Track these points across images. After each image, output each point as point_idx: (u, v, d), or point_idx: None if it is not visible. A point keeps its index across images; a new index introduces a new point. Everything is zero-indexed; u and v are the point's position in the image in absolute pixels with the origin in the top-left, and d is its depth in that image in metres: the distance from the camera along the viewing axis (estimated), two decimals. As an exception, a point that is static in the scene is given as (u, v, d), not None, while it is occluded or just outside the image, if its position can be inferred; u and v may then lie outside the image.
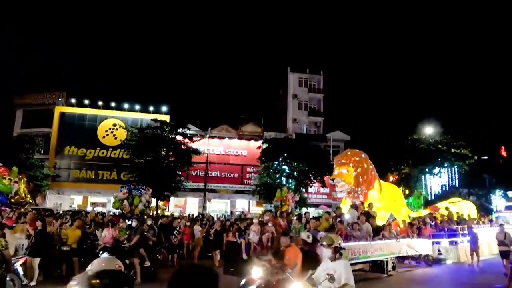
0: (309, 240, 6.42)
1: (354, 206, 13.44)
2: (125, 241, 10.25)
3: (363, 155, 15.57)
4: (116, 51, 78.13)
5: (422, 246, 14.17)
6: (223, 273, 10.49)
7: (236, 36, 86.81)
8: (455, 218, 19.03)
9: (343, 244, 8.43)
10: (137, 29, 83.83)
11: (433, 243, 15.77)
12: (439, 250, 15.72)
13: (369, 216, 12.62)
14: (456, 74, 72.07)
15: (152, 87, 69.69)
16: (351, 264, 10.36)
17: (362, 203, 14.04)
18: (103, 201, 36.60)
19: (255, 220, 12.00)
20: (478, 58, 75.31)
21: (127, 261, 9.13)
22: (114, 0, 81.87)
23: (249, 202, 37.65)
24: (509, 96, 64.06)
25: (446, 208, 20.68)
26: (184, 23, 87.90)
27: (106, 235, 10.60)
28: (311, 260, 5.40)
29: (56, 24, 76.17)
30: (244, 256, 11.40)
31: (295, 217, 11.73)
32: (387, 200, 16.71)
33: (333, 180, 14.90)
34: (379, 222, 15.74)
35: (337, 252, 4.54)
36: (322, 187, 31.93)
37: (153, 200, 22.80)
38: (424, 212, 20.34)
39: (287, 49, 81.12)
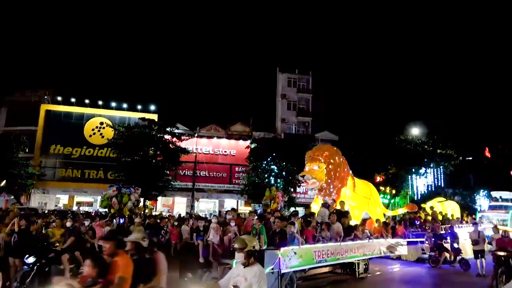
0: (145, 244, 4.61)
1: (325, 205, 12.71)
2: (57, 243, 9.73)
3: (335, 150, 14.66)
4: (104, 49, 77.24)
5: (397, 246, 13.75)
6: (179, 278, 9.36)
7: (226, 36, 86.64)
8: (439, 217, 19.15)
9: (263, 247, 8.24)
10: (126, 28, 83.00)
11: (416, 242, 15.58)
12: (423, 250, 15.64)
13: (341, 215, 11.95)
14: (442, 76, 73.27)
15: (140, 86, 69.09)
16: (320, 267, 10.08)
17: (334, 201, 13.33)
18: (89, 200, 36.15)
19: (214, 220, 10.69)
20: (464, 60, 76.67)
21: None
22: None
23: (237, 201, 37.63)
24: (493, 98, 65.39)
25: (431, 208, 20.93)
26: (173, 22, 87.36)
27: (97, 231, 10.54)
28: (145, 271, 4.34)
29: (42, 21, 74.94)
30: (201, 259, 10.08)
31: (256, 217, 10.26)
32: (361, 198, 16.04)
33: (303, 176, 13.82)
34: (353, 221, 15.35)
35: (251, 257, 4.00)
36: (310, 187, 32.12)
37: (141, 200, 22.63)
38: (400, 210, 20.20)
39: (276, 50, 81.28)
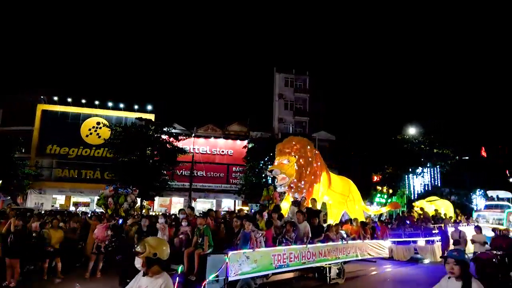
0: None
1: (295, 203, 11.46)
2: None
3: (307, 143, 13.41)
4: (101, 49, 76.97)
5: (376, 248, 12.79)
6: (119, 285, 8.59)
7: (223, 36, 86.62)
8: (432, 216, 18.89)
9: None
10: (123, 27, 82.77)
11: (409, 242, 15.38)
12: (415, 250, 15.36)
13: (311, 213, 10.86)
14: (439, 76, 73.51)
15: (137, 86, 68.96)
16: (279, 273, 8.93)
17: (306, 198, 12.14)
18: (86, 200, 36.04)
19: (161, 219, 9.50)
20: (460, 60, 76.95)
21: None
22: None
23: (234, 201, 37.64)
24: (489, 98, 65.68)
25: (421, 208, 20.63)
26: (171, 22, 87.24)
27: (97, 232, 10.46)
28: None
29: (39, 21, 74.65)
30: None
31: (200, 214, 9.30)
32: (338, 195, 14.94)
33: (271, 171, 12.45)
34: (331, 221, 14.63)
35: (151, 265, 3.23)
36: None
37: (138, 200, 22.57)
38: (383, 209, 19.76)
39: (273, 50, 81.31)
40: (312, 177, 12.90)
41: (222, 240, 8.70)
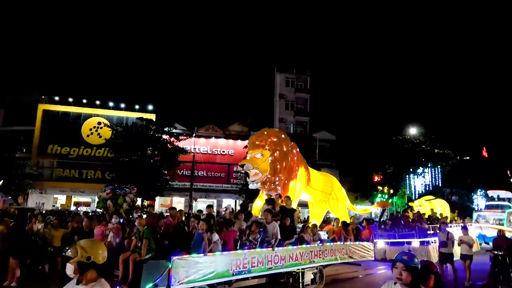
0: None
1: (269, 201, 10.54)
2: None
3: (282, 136, 12.23)
4: (102, 49, 77.04)
5: (360, 250, 11.88)
6: None
7: (223, 36, 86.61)
8: (426, 216, 18.57)
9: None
10: (124, 28, 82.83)
11: (403, 243, 14.78)
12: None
13: (284, 213, 9.90)
14: (440, 76, 73.41)
15: (138, 86, 68.98)
16: (237, 281, 7.82)
17: (280, 196, 11.07)
18: (87, 200, 36.06)
19: (114, 220, 8.56)
20: (462, 61, 76.84)
21: None
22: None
23: (235, 201, 37.61)
24: (490, 98, 65.59)
25: (411, 209, 20.27)
26: (172, 22, 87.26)
27: (96, 232, 10.46)
28: None
29: (40, 21, 74.71)
30: None
31: (137, 215, 8.56)
32: (319, 193, 13.93)
33: (242, 166, 11.31)
34: (314, 221, 13.93)
35: (85, 270, 2.78)
36: (309, 186, 32.18)
37: (139, 200, 22.57)
38: (371, 208, 19.01)
39: (274, 50, 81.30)
40: (288, 172, 11.87)
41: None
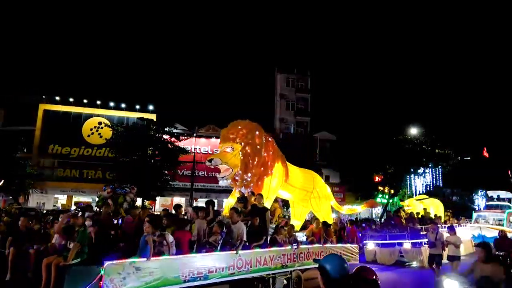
0: None
1: (241, 199, 9.78)
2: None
3: (255, 127, 11.23)
4: (102, 49, 77.10)
5: (343, 253, 10.98)
6: None
7: (224, 36, 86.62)
8: (417, 215, 17.79)
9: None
10: (124, 28, 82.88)
11: (394, 244, 14.20)
12: (400, 253, 14.28)
13: (255, 212, 9.10)
14: (441, 76, 73.35)
15: (139, 86, 69.02)
16: (208, 285, 6.99)
17: (253, 193, 10.22)
18: (87, 200, 36.02)
19: (62, 218, 7.69)
20: (463, 61, 76.77)
21: None
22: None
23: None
24: (491, 98, 65.53)
25: (403, 210, 19.68)
26: (172, 22, 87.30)
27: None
28: None
29: (41, 20, 74.80)
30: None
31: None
32: (299, 191, 13.10)
33: (210, 161, 10.29)
34: (295, 221, 13.43)
35: None
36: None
37: (139, 200, 22.57)
38: (359, 208, 18.11)
39: (274, 50, 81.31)
40: (262, 168, 10.98)
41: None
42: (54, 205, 34.04)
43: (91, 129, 36.80)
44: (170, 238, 6.81)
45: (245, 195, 10.19)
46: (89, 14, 79.14)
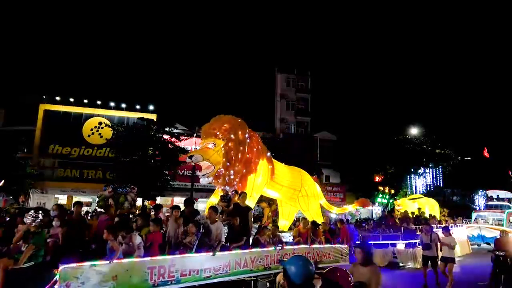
0: None
1: (224, 198, 9.40)
2: None
3: (238, 123, 10.73)
4: (103, 49, 77.11)
5: (332, 254, 10.52)
6: None
7: (224, 36, 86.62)
8: (412, 215, 17.50)
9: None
10: (124, 28, 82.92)
11: (387, 245, 13.58)
12: (393, 253, 13.66)
13: (237, 212, 8.59)
14: (441, 76, 73.32)
15: (139, 86, 69.01)
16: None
17: (236, 192, 9.77)
18: (88, 200, 36.07)
19: (27, 219, 6.82)
20: (463, 61, 76.75)
21: None
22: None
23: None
24: (492, 98, 65.49)
25: (394, 210, 19.38)
26: (172, 22, 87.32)
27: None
28: None
29: (41, 20, 74.83)
30: None
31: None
32: (286, 189, 12.63)
33: (191, 157, 9.92)
34: (283, 221, 13.18)
35: None
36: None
37: (139, 200, 22.58)
38: (350, 207, 17.14)
39: (274, 50, 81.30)
40: (245, 165, 10.50)
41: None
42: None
43: (92, 129, 36.81)
44: (138, 240, 6.48)
45: (230, 193, 9.79)
46: (90, 14, 79.20)
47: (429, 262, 10.37)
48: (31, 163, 32.85)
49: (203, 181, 10.40)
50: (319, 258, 9.83)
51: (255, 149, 10.96)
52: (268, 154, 11.89)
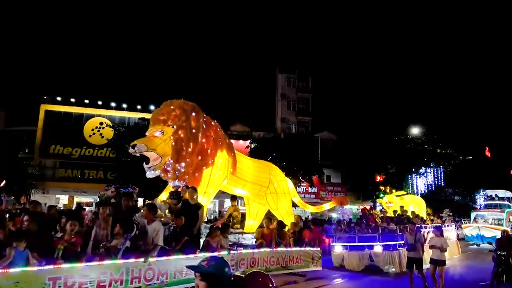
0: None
1: (173, 194, 8.23)
2: None
3: (190, 107, 9.23)
4: (104, 49, 77.21)
5: (300, 258, 9.68)
6: None
7: (225, 36, 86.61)
8: (393, 214, 16.20)
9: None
10: (125, 28, 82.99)
11: (363, 247, 12.09)
12: (370, 257, 12.13)
13: (186, 209, 7.61)
14: (443, 76, 73.26)
15: (140, 86, 69.05)
16: None
17: (187, 187, 8.57)
18: (89, 200, 36.12)
19: None
20: (465, 61, 76.66)
21: None
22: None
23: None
24: (494, 98, 65.40)
25: (372, 208, 18.44)
26: (173, 23, 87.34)
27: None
28: None
29: (42, 20, 74.94)
30: None
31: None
32: (251, 185, 11.19)
33: (134, 147, 8.56)
34: (251, 221, 12.15)
35: None
36: (310, 186, 32.23)
37: (140, 200, 22.59)
38: (326, 206, 15.68)
39: (275, 50, 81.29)
40: (199, 157, 9.02)
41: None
42: (56, 205, 34.10)
43: (93, 130, 36.87)
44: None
45: (179, 189, 8.64)
46: (90, 14, 79.29)
47: (414, 265, 9.43)
48: (32, 163, 32.93)
49: (150, 174, 9.13)
50: (285, 263, 8.85)
51: (212, 138, 9.43)
52: (230, 144, 10.38)
